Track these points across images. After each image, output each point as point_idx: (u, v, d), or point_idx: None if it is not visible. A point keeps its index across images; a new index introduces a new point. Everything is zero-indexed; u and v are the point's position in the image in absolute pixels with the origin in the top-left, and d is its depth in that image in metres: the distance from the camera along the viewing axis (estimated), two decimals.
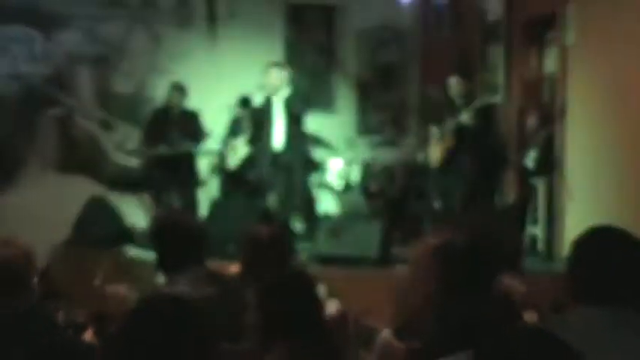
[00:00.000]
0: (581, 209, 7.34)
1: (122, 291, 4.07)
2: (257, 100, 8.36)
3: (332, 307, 4.08)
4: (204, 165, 9.39)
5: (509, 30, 8.80)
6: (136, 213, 9.38)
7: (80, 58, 10.04)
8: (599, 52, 7.16)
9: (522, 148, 8.30)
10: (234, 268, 4.38)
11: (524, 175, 8.16)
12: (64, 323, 3.70)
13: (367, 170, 9.59)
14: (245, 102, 8.86)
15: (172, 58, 10.10)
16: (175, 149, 8.74)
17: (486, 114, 8.05)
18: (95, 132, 10.08)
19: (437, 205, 8.37)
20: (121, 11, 10.10)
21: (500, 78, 8.96)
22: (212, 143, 9.12)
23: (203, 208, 8.78)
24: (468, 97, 8.09)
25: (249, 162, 8.82)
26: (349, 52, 10.79)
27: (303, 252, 7.40)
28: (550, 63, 8.35)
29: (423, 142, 8.69)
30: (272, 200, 8.50)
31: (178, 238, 3.70)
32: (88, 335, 3.59)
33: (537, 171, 7.91)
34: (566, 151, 7.66)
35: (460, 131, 7.90)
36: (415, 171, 9.24)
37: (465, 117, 7.82)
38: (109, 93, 10.16)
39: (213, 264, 3.88)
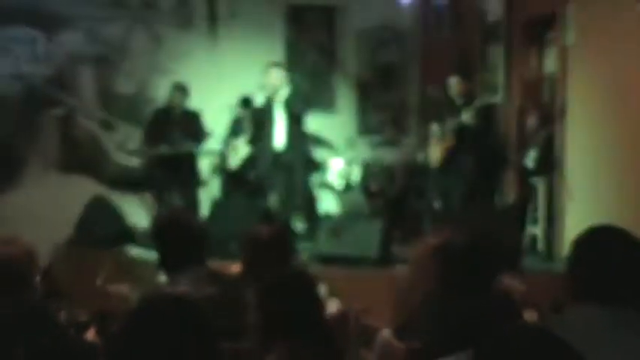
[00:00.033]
0: (580, 209, 7.34)
1: (124, 290, 4.08)
2: (258, 100, 8.37)
3: (332, 306, 4.10)
4: (205, 165, 9.40)
5: (509, 30, 8.79)
6: (137, 213, 9.40)
7: (82, 58, 10.06)
8: (599, 52, 7.16)
9: (522, 148, 8.30)
10: (235, 267, 4.39)
11: (524, 174, 8.16)
12: (66, 322, 3.68)
13: (367, 170, 9.59)
14: (246, 102, 8.87)
15: (173, 58, 10.11)
16: (176, 149, 8.75)
17: (487, 114, 8.06)
18: (97, 132, 10.09)
19: (437, 204, 8.37)
20: (122, 12, 10.11)
21: (500, 78, 8.95)
22: (213, 143, 9.13)
23: (204, 208, 8.80)
24: (468, 97, 8.09)
25: (250, 162, 8.82)
26: (349, 52, 10.80)
27: (304, 252, 7.42)
28: (550, 63, 8.35)
29: (423, 142, 8.70)
30: (273, 200, 8.52)
31: (180, 238, 3.70)
32: (90, 334, 3.60)
33: (537, 171, 7.91)
34: (566, 150, 7.65)
35: (461, 131, 7.89)
36: (415, 171, 9.24)
37: (466, 116, 7.82)
38: (110, 93, 10.17)
39: (214, 264, 3.89)
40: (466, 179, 8.01)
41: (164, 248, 3.75)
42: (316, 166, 9.21)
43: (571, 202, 7.50)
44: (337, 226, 7.48)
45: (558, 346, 1.71)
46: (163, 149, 8.78)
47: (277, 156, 8.27)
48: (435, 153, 8.15)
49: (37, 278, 3.34)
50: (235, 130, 9.03)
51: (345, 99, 10.79)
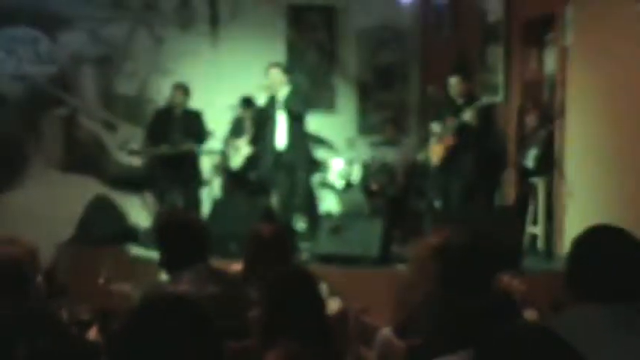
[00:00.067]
0: (580, 208, 7.34)
1: (126, 289, 4.10)
2: (260, 101, 8.39)
3: (333, 305, 4.11)
4: (206, 165, 9.41)
5: (509, 30, 8.79)
6: (138, 212, 9.45)
7: (84, 58, 10.09)
8: (598, 52, 7.16)
9: (522, 147, 8.31)
10: (236, 266, 4.41)
11: (524, 174, 8.17)
12: (68, 321, 3.68)
13: (367, 170, 9.60)
14: (246, 102, 8.90)
15: (174, 58, 10.15)
16: (178, 149, 8.76)
17: (487, 114, 8.06)
18: (99, 132, 10.12)
19: (437, 204, 8.37)
20: (124, 13, 10.14)
21: (499, 78, 8.96)
22: (214, 143, 9.15)
23: (205, 208, 8.81)
24: (468, 97, 8.09)
25: (251, 162, 8.85)
26: (349, 53, 10.82)
27: (305, 251, 7.43)
28: (550, 63, 8.36)
29: (423, 141, 8.70)
30: (274, 200, 8.54)
31: (182, 237, 3.71)
32: (93, 333, 3.60)
33: (537, 170, 7.91)
34: (566, 150, 7.66)
35: (462, 130, 7.90)
36: (415, 170, 9.24)
37: (468, 116, 7.82)
38: (112, 93, 10.20)
39: (215, 262, 3.89)
40: (466, 179, 8.01)
41: (166, 247, 3.75)
42: (317, 166, 9.23)
43: (570, 201, 7.51)
44: (337, 225, 7.49)
45: (559, 345, 1.70)
46: (165, 149, 8.80)
47: (279, 156, 8.28)
48: (435, 152, 8.15)
49: (40, 277, 3.33)
50: (236, 130, 9.05)
51: (346, 99, 10.81)
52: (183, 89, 8.90)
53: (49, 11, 9.84)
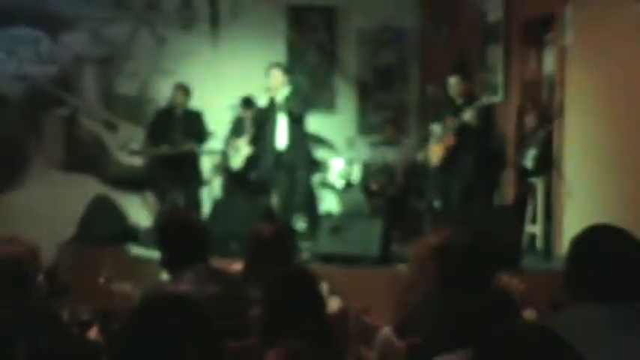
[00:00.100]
0: (579, 208, 7.35)
1: (127, 289, 4.10)
2: (261, 102, 8.40)
3: (333, 304, 4.12)
4: (207, 164, 9.42)
5: (509, 30, 8.80)
6: (139, 212, 9.46)
7: (85, 59, 10.09)
8: (598, 52, 7.17)
9: (521, 147, 8.32)
10: (236, 265, 4.42)
11: (523, 174, 8.18)
12: (69, 320, 3.68)
13: (367, 169, 9.61)
14: (247, 102, 8.90)
15: (176, 59, 10.15)
16: (178, 149, 8.78)
17: (487, 114, 8.07)
18: (99, 132, 10.13)
19: (437, 204, 8.38)
20: (125, 13, 10.14)
21: (499, 78, 8.97)
22: (215, 143, 9.17)
23: (206, 208, 8.82)
24: (468, 97, 8.10)
25: (251, 162, 8.86)
26: (350, 53, 10.83)
27: (305, 250, 7.44)
28: (549, 63, 8.37)
29: (423, 141, 8.71)
30: (274, 199, 8.55)
31: (182, 236, 3.72)
32: (93, 332, 3.60)
33: (536, 170, 7.92)
34: (564, 150, 7.67)
35: (462, 130, 7.90)
36: (415, 170, 9.25)
37: (468, 116, 7.83)
38: (113, 93, 10.21)
39: (215, 262, 3.90)
40: (466, 179, 8.02)
41: (166, 246, 3.76)
42: (317, 166, 9.24)
43: (569, 200, 7.52)
44: (337, 225, 7.49)
45: (558, 344, 1.70)
46: (165, 149, 8.81)
47: (279, 156, 8.29)
48: (435, 152, 8.16)
49: (40, 276, 3.32)
50: (236, 130, 9.07)
51: (346, 99, 10.82)
52: (184, 89, 8.92)
53: (50, 11, 9.84)
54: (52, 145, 9.97)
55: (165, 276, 3.93)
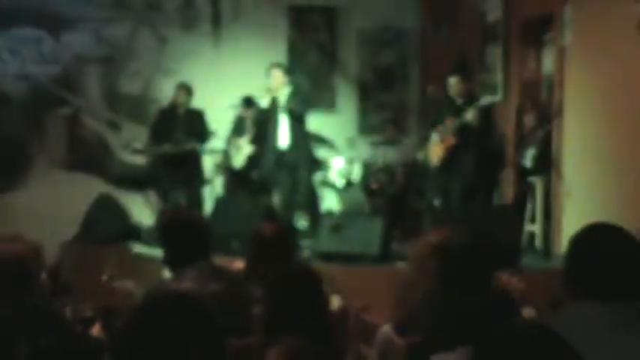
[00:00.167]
0: (578, 207, 7.36)
1: (129, 286, 4.12)
2: (263, 102, 8.41)
3: (334, 302, 4.13)
4: (209, 163, 9.43)
5: (508, 30, 8.81)
6: (142, 211, 9.48)
7: (87, 58, 10.10)
8: (596, 52, 7.18)
9: (520, 147, 8.34)
10: (238, 264, 4.44)
11: (522, 173, 8.20)
12: (71, 318, 3.69)
13: (368, 169, 9.63)
14: (248, 102, 8.92)
15: (177, 58, 10.17)
16: (180, 148, 8.80)
17: (487, 114, 8.09)
18: (102, 131, 10.14)
19: (437, 203, 8.39)
20: (127, 13, 10.15)
21: (498, 78, 8.99)
22: (217, 142, 9.18)
23: (208, 206, 8.82)
24: (468, 97, 8.11)
25: (253, 161, 8.87)
26: (350, 53, 10.84)
27: (307, 249, 7.46)
28: (548, 63, 8.38)
29: (423, 141, 8.72)
30: (275, 198, 8.57)
31: (185, 234, 3.74)
32: (96, 330, 3.60)
33: (535, 169, 7.94)
34: (563, 150, 7.68)
35: (463, 130, 7.92)
36: (415, 169, 9.26)
37: (470, 116, 7.84)
38: (115, 93, 10.22)
39: (217, 260, 3.92)
40: (466, 178, 8.03)
41: (169, 245, 3.78)
42: (318, 165, 9.25)
43: (568, 200, 7.54)
44: (338, 223, 7.51)
45: (557, 343, 1.71)
46: (168, 148, 8.83)
47: (281, 155, 8.32)
48: (435, 153, 8.17)
49: (44, 274, 3.33)
50: (238, 129, 9.08)
51: (346, 99, 10.83)
52: (186, 89, 8.94)
53: (53, 12, 9.85)
54: (55, 145, 9.98)
55: (167, 274, 3.95)
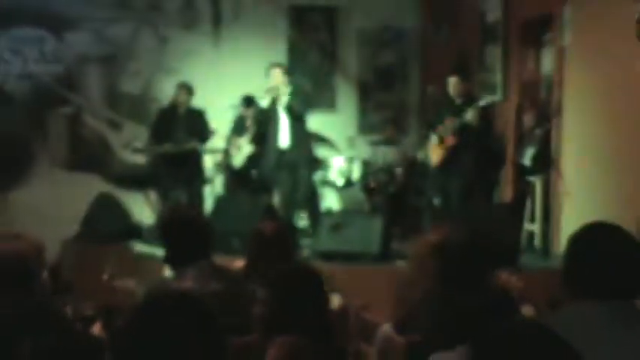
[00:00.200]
0: (577, 207, 7.37)
1: (130, 285, 4.13)
2: (263, 102, 8.42)
3: (334, 301, 4.14)
4: (209, 163, 9.43)
5: (507, 30, 8.82)
6: (142, 210, 9.49)
7: (89, 58, 10.11)
8: (596, 52, 7.19)
9: (520, 146, 8.35)
10: (238, 263, 4.44)
11: (522, 172, 8.21)
12: (72, 317, 3.69)
13: (368, 168, 9.64)
14: (248, 101, 8.92)
15: (178, 58, 10.18)
16: (181, 147, 8.81)
17: (486, 113, 8.10)
18: (103, 130, 10.15)
19: (436, 202, 8.41)
20: (128, 13, 10.16)
21: (497, 78, 8.99)
22: (217, 141, 9.19)
23: (208, 205, 8.83)
24: (467, 97, 8.13)
25: (253, 160, 8.88)
26: (350, 53, 10.85)
27: (307, 248, 7.47)
28: (547, 63, 8.39)
29: (423, 141, 8.73)
30: (276, 198, 8.58)
31: (186, 233, 3.74)
32: (97, 328, 3.60)
33: (534, 169, 7.95)
34: (563, 149, 7.70)
35: (463, 130, 7.93)
36: (415, 169, 9.28)
37: (470, 116, 7.85)
38: (116, 92, 10.23)
39: (217, 259, 3.93)
40: (465, 177, 8.05)
41: (170, 243, 3.78)
42: (318, 164, 9.26)
43: (567, 199, 7.55)
44: (338, 222, 7.52)
45: (555, 341, 1.70)
46: (168, 147, 8.84)
47: (281, 155, 8.33)
48: (435, 153, 8.18)
49: (45, 273, 3.33)
50: (238, 128, 9.08)
51: (346, 98, 10.84)
52: (187, 88, 8.95)
53: (54, 11, 9.86)
54: (56, 144, 9.99)
55: (168, 273, 3.96)
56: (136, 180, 9.95)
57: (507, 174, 8.62)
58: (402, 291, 3.51)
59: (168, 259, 3.81)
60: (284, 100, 8.23)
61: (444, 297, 3.05)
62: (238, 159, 8.99)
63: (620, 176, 6.80)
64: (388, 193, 9.33)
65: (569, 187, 7.53)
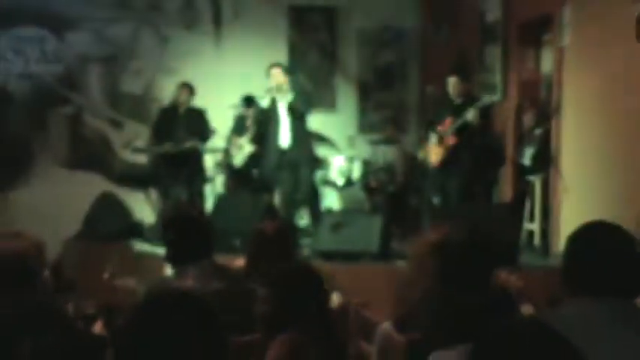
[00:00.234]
0: (576, 206, 7.38)
1: (131, 284, 4.14)
2: (264, 102, 8.43)
3: (334, 300, 4.15)
4: (209, 162, 9.45)
5: (507, 31, 8.84)
6: (143, 208, 9.51)
7: (90, 58, 10.13)
8: (594, 52, 7.21)
9: (519, 145, 8.37)
10: (239, 262, 4.46)
11: (521, 172, 8.22)
12: (74, 315, 3.70)
13: (368, 167, 9.66)
14: (248, 101, 8.93)
15: (178, 58, 10.20)
16: (182, 147, 8.82)
17: (486, 113, 8.12)
18: (104, 130, 10.17)
19: (436, 201, 8.42)
20: (129, 13, 10.18)
21: (497, 77, 9.01)
22: (218, 141, 9.20)
23: (209, 204, 8.85)
24: (467, 97, 8.14)
25: (253, 160, 8.90)
26: (350, 53, 10.87)
27: (307, 247, 7.48)
28: (547, 63, 8.41)
29: (423, 140, 8.75)
30: (277, 197, 8.59)
31: (188, 231, 3.76)
32: (98, 327, 3.61)
33: (534, 168, 7.97)
34: (562, 148, 7.72)
35: (463, 129, 7.94)
36: (414, 168, 9.29)
37: (471, 115, 7.86)
38: (117, 92, 10.24)
39: (218, 258, 3.94)
40: (465, 177, 8.06)
41: (172, 241, 3.81)
42: (318, 164, 9.28)
43: (567, 198, 7.56)
44: (338, 221, 7.53)
45: (556, 340, 1.70)
46: (169, 147, 8.86)
47: (282, 154, 8.35)
48: (435, 152, 8.18)
49: (46, 272, 3.32)
50: (238, 128, 9.10)
51: (346, 98, 10.86)
52: (188, 88, 8.97)
53: (55, 11, 9.88)
54: (58, 144, 10.01)
55: (169, 271, 3.97)
56: (137, 179, 9.97)
57: (507, 173, 8.63)
58: (401, 290, 3.51)
59: (170, 258, 3.83)
60: (287, 99, 8.24)
61: (443, 296, 3.05)
62: (239, 158, 9.00)
63: (619, 175, 6.81)
64: (388, 193, 9.35)
65: (568, 186, 7.54)
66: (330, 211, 8.87)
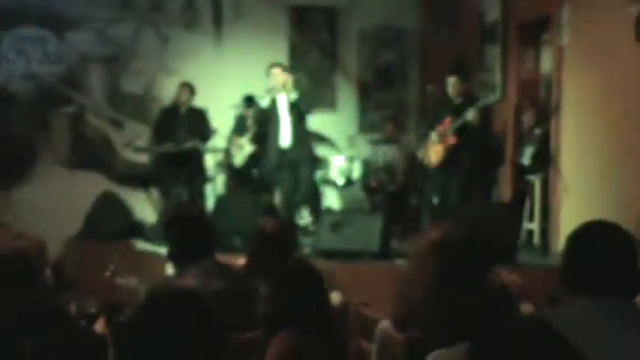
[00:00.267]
0: (575, 205, 7.39)
1: (132, 283, 4.14)
2: (264, 102, 8.44)
3: (334, 299, 4.16)
4: (210, 162, 9.46)
5: (506, 31, 8.84)
6: (144, 208, 9.52)
7: (91, 58, 10.12)
8: (593, 52, 7.22)
9: (519, 145, 8.38)
10: (239, 260, 4.46)
11: (521, 171, 8.23)
12: (76, 314, 3.70)
13: (368, 167, 9.66)
14: (249, 101, 8.94)
15: (179, 58, 10.19)
16: (182, 146, 8.83)
17: (486, 112, 8.12)
18: (106, 129, 10.17)
19: (435, 200, 8.42)
20: (130, 13, 10.18)
21: (497, 77, 9.01)
22: (218, 141, 9.21)
23: (210, 204, 8.86)
24: (466, 97, 8.15)
25: (254, 159, 8.91)
26: (350, 53, 10.86)
27: (307, 246, 7.49)
28: (546, 63, 8.43)
29: (423, 140, 8.76)
30: (277, 196, 8.60)
31: (190, 230, 3.76)
32: (100, 325, 3.62)
33: (533, 168, 7.97)
34: (561, 148, 7.73)
35: (463, 129, 7.95)
36: (414, 167, 9.29)
37: (471, 115, 7.87)
38: (118, 92, 10.24)
39: (219, 257, 3.95)
40: (464, 176, 8.07)
41: (174, 240, 3.81)
42: (318, 163, 9.29)
43: (566, 198, 7.57)
44: (338, 221, 7.54)
45: (555, 339, 1.71)
46: (170, 147, 8.87)
47: (283, 154, 8.36)
48: (435, 152, 8.19)
49: (48, 271, 3.32)
50: (239, 128, 9.10)
51: (347, 98, 10.86)
52: (189, 88, 8.99)
53: (57, 12, 9.88)
54: (59, 143, 10.01)
55: (170, 270, 3.97)
56: (138, 179, 9.98)
57: (506, 173, 8.64)
58: (401, 289, 3.51)
59: (172, 257, 3.83)
60: (289, 98, 8.24)
61: (443, 295, 3.05)
62: (239, 158, 9.01)
63: (618, 175, 6.82)
64: (388, 192, 9.36)
65: (567, 185, 7.55)
66: (330, 211, 8.88)
